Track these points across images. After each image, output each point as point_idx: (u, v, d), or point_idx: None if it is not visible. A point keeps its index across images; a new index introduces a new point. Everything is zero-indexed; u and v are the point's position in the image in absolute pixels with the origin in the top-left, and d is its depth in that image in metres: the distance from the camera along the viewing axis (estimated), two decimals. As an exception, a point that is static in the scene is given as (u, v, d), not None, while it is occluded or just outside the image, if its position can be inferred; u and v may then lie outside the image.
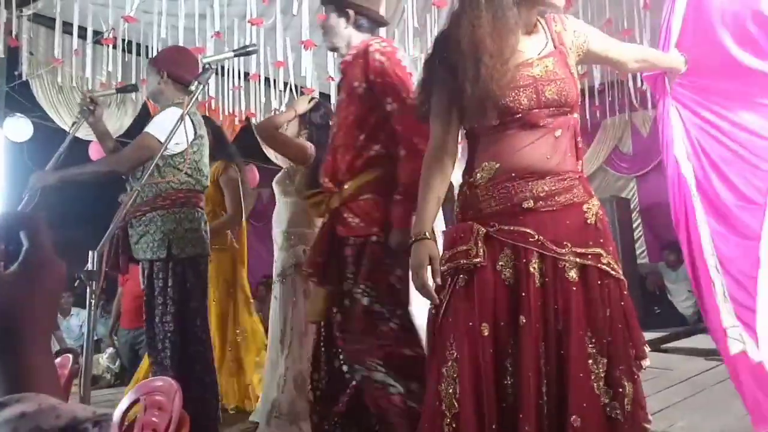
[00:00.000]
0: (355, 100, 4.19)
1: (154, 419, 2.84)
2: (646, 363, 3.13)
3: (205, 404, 4.95)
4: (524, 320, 3.00)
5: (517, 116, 3.09)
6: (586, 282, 3.05)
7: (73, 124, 5.28)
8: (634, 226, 12.92)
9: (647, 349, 3.23)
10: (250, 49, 4.34)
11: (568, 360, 2.96)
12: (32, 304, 1.20)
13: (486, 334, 3.04)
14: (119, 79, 8.58)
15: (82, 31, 7.79)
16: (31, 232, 1.26)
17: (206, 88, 8.83)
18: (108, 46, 8.29)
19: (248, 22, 7.25)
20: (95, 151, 8.49)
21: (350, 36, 4.33)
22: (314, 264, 4.36)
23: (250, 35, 7.87)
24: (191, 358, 4.93)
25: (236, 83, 9.97)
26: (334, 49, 4.50)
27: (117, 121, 9.50)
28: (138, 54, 9.24)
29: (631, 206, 12.98)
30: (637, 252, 12.79)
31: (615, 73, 11.28)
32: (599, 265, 3.05)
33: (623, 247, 11.60)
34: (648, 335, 9.69)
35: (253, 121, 11.50)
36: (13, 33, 8.07)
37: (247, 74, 10.14)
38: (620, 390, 2.97)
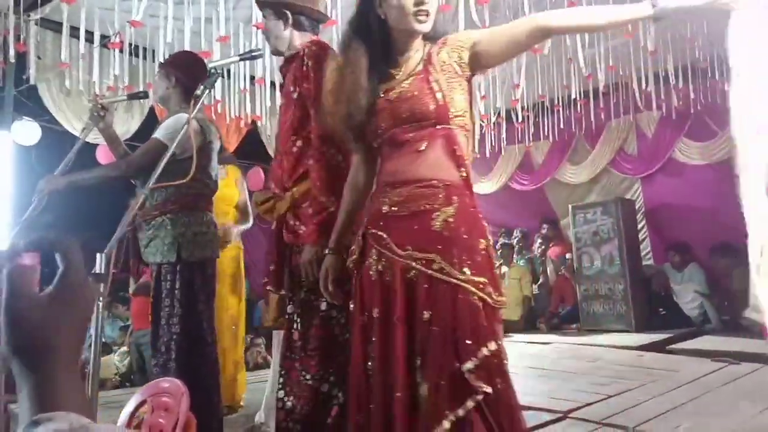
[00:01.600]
0: (291, 105, 4.25)
1: (161, 420, 2.89)
2: (468, 365, 3.08)
3: (211, 406, 4.98)
4: (377, 313, 3.29)
5: (384, 136, 3.41)
6: (413, 284, 3.23)
7: (83, 130, 5.34)
8: (639, 227, 12.89)
9: (485, 353, 3.15)
10: (255, 53, 4.34)
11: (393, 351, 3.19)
12: (64, 326, 1.23)
13: (361, 324, 3.38)
14: (126, 83, 8.59)
15: (89, 35, 7.76)
16: (66, 253, 1.29)
17: (213, 92, 8.87)
18: (115, 50, 8.31)
19: (254, 26, 7.26)
20: (103, 155, 8.51)
21: (291, 37, 4.38)
22: (267, 271, 4.41)
23: (256, 39, 7.90)
24: (197, 360, 4.96)
25: (242, 87, 10.00)
26: (278, 53, 4.51)
27: (124, 125, 9.50)
28: (145, 58, 9.24)
29: (636, 207, 12.96)
30: (642, 253, 12.78)
31: (620, 75, 11.29)
32: (429, 270, 3.18)
33: (628, 249, 11.61)
34: (654, 337, 9.80)
35: (259, 124, 11.54)
36: (21, 38, 8.09)
37: (253, 78, 10.17)
38: (433, 389, 3.07)
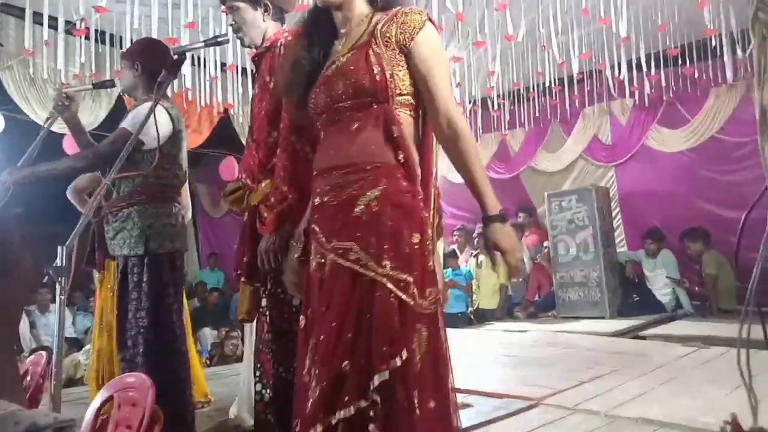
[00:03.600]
0: (267, 95, 4.22)
1: (126, 415, 2.81)
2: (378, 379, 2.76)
3: (181, 399, 4.90)
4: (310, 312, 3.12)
5: (322, 114, 3.18)
6: (331, 276, 2.99)
7: (47, 120, 5.21)
8: (614, 215, 12.97)
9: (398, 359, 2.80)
10: (221, 39, 4.26)
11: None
12: None
13: (303, 324, 3.16)
14: (93, 71, 8.52)
15: (53, 21, 7.71)
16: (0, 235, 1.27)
17: (183, 79, 8.78)
18: (80, 37, 8.24)
19: (222, 11, 7.19)
20: (69, 145, 8.43)
21: (267, 29, 4.35)
22: (240, 263, 4.34)
23: (226, 25, 7.83)
24: (167, 353, 4.87)
25: (213, 74, 9.93)
26: (250, 45, 4.45)
27: (91, 114, 9.45)
28: (111, 45, 9.16)
29: (611, 195, 13.02)
30: (617, 241, 12.83)
31: (593, 62, 11.30)
32: (346, 262, 2.92)
33: (603, 236, 11.66)
34: (627, 323, 9.90)
35: (231, 112, 11.47)
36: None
37: (224, 64, 10.09)
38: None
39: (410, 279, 2.87)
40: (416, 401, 2.80)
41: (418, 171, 3.17)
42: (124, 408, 2.88)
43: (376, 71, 3.08)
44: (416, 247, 2.96)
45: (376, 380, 2.71)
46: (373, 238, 2.94)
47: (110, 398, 2.96)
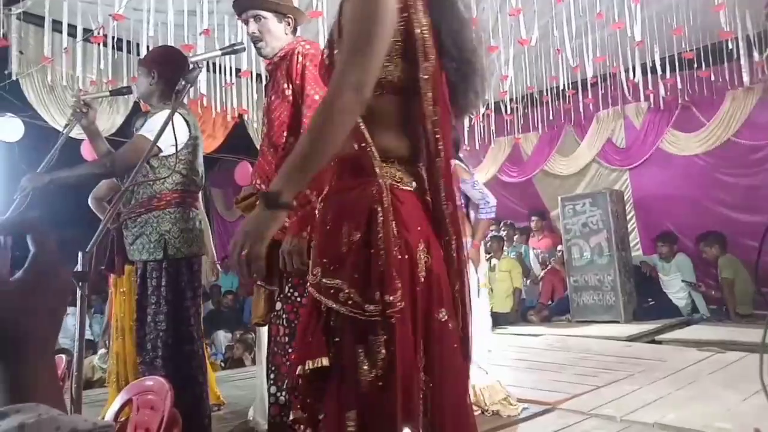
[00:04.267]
0: (284, 102, 4.27)
1: (145, 418, 2.86)
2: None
3: (199, 402, 4.95)
4: None
5: None
6: None
7: (65, 126, 5.26)
8: (628, 218, 12.93)
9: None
10: (237, 47, 4.34)
11: None
12: (37, 312, 1.20)
13: None
14: (110, 77, 8.57)
15: (72, 29, 7.76)
16: (38, 236, 1.26)
17: (198, 86, 8.83)
18: (98, 44, 8.28)
19: (238, 18, 7.26)
20: (87, 151, 8.47)
21: (286, 40, 4.45)
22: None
23: (240, 32, 7.87)
24: (185, 357, 4.93)
25: (228, 80, 9.98)
26: (268, 54, 4.51)
27: (108, 120, 9.49)
28: (128, 52, 9.21)
29: (625, 198, 13.00)
30: (631, 244, 12.81)
31: (607, 66, 11.31)
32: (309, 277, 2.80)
33: (617, 239, 11.65)
34: (642, 327, 9.86)
35: (246, 117, 11.52)
36: (2, 32, 8.04)
37: (238, 71, 10.13)
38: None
39: (338, 283, 2.65)
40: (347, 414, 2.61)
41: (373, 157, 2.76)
42: (143, 411, 2.93)
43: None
44: (354, 246, 2.68)
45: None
46: (315, 245, 2.88)
47: (129, 401, 3.01)
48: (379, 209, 2.68)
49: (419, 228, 2.80)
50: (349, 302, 2.61)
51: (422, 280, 2.73)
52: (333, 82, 2.64)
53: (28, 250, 1.18)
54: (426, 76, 2.73)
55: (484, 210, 6.19)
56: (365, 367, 2.59)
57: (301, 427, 2.75)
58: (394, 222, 2.71)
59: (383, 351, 2.58)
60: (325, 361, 2.63)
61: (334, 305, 2.63)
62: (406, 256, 2.69)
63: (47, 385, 1.21)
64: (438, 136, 2.83)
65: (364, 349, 2.60)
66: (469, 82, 3.00)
